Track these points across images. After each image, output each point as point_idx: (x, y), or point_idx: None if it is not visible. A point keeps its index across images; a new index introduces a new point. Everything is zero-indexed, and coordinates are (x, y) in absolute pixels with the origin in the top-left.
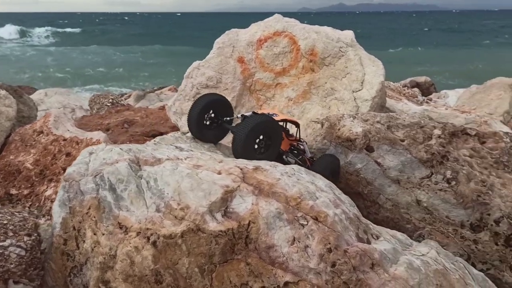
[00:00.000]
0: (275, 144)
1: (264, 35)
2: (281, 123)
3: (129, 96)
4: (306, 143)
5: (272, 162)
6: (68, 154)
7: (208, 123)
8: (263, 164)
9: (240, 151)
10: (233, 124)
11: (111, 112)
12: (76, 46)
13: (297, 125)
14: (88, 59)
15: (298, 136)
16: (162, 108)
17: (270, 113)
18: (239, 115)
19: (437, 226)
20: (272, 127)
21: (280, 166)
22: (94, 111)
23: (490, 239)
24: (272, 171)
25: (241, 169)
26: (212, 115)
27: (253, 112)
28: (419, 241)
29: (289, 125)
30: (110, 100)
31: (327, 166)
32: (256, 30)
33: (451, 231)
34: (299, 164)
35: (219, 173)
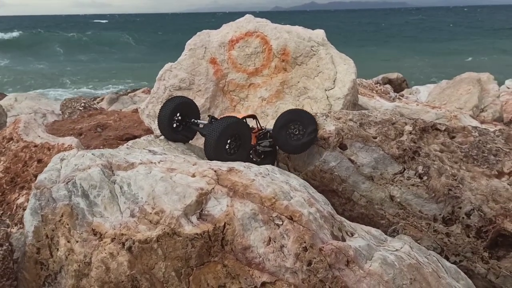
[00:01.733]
0: (245, 143)
1: (235, 35)
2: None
3: (102, 99)
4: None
5: (246, 163)
6: (39, 161)
7: (175, 125)
8: (237, 165)
9: (213, 153)
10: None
11: (84, 116)
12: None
13: (254, 117)
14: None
15: (258, 126)
16: (136, 111)
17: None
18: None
19: (410, 221)
20: (241, 127)
21: (254, 167)
22: (66, 116)
23: (462, 232)
24: (247, 172)
25: (215, 171)
26: (179, 117)
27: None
28: (394, 236)
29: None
30: (82, 104)
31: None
32: (228, 31)
33: (424, 225)
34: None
35: (193, 175)
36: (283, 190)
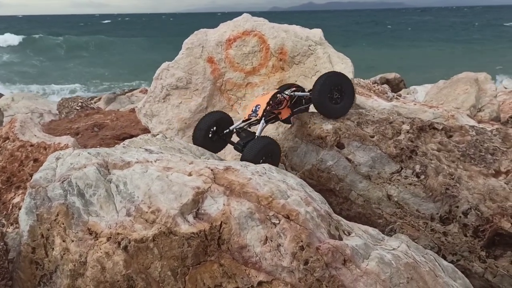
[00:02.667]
0: (275, 160)
1: (233, 34)
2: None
3: (99, 99)
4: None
5: (243, 162)
6: (35, 160)
7: (210, 135)
8: (234, 164)
9: None
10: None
11: (81, 116)
12: None
13: (277, 94)
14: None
15: (285, 95)
16: (133, 110)
17: (255, 107)
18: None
19: (408, 220)
20: (274, 147)
21: (251, 166)
22: (63, 115)
23: (459, 231)
24: (243, 171)
25: (211, 170)
26: (215, 129)
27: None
28: (391, 236)
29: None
30: (80, 104)
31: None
32: (225, 29)
33: (422, 224)
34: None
35: (190, 174)
36: (280, 189)
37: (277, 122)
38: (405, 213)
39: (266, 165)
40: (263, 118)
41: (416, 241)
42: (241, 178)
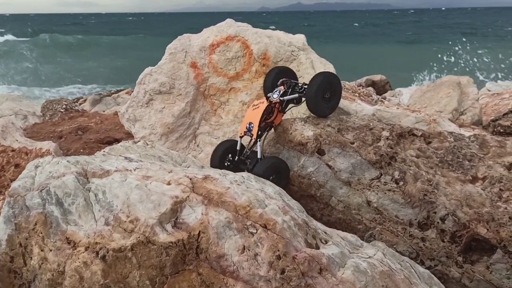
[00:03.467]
0: (285, 178)
1: (216, 40)
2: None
3: (85, 100)
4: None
5: (222, 171)
6: (17, 165)
7: (227, 164)
8: (213, 173)
9: None
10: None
11: (65, 119)
12: None
13: (268, 107)
14: None
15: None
16: (117, 113)
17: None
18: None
19: (387, 226)
20: (280, 165)
21: (230, 175)
22: (47, 118)
23: (436, 236)
24: (222, 180)
25: (190, 179)
26: (231, 157)
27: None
28: (370, 241)
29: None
30: (64, 106)
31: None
32: (209, 35)
33: (400, 230)
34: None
35: (169, 183)
36: (258, 198)
37: None
38: (384, 219)
39: (245, 174)
40: (258, 140)
41: (395, 246)
42: (220, 187)
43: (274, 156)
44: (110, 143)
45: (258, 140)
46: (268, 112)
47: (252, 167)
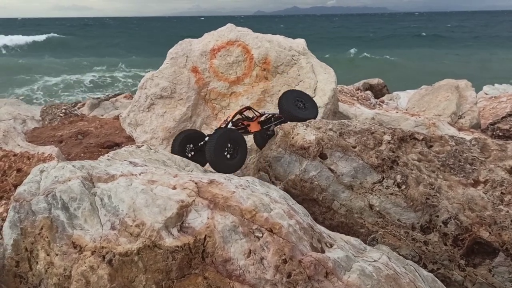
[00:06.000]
0: (243, 148)
1: (217, 44)
2: (237, 116)
3: (83, 104)
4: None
5: (227, 175)
6: (19, 170)
7: (190, 155)
8: (218, 177)
9: (213, 160)
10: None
11: (64, 123)
12: None
13: (248, 108)
14: None
15: (257, 113)
16: (117, 117)
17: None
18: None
19: (389, 229)
20: (234, 135)
21: (235, 179)
22: (46, 122)
23: (439, 240)
24: (227, 184)
25: (195, 183)
26: (191, 146)
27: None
28: (373, 245)
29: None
30: (63, 110)
31: None
32: (210, 39)
33: (403, 233)
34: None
35: (174, 188)
36: (263, 202)
37: None
38: (386, 223)
39: (250, 178)
40: (230, 122)
41: (397, 250)
42: (225, 192)
43: (227, 127)
44: (110, 147)
45: (229, 122)
46: (248, 118)
47: (207, 142)
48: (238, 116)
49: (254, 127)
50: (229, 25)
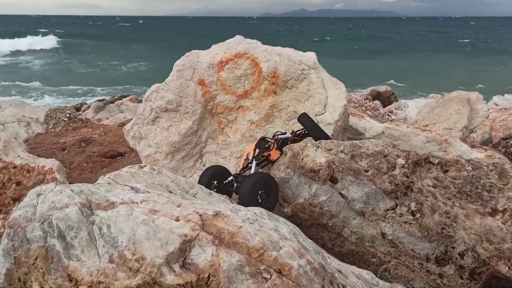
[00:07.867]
0: (274, 192)
1: (225, 57)
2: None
3: (89, 107)
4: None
5: (234, 206)
6: (18, 183)
7: (215, 190)
8: (224, 209)
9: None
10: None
11: (68, 129)
12: None
13: (262, 139)
14: None
15: (270, 140)
16: (121, 124)
17: (247, 155)
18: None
19: (402, 260)
20: (267, 179)
21: (242, 211)
22: (50, 127)
23: (455, 273)
24: (233, 218)
25: (200, 215)
26: (216, 183)
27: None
28: (385, 276)
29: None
30: (67, 115)
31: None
32: (217, 51)
33: (417, 265)
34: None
35: (177, 219)
36: (272, 239)
37: None
38: (399, 253)
39: (258, 211)
40: (254, 160)
41: (411, 282)
42: (231, 226)
43: (261, 171)
44: (113, 157)
45: (253, 160)
46: (265, 147)
47: (240, 185)
48: (257, 150)
49: (275, 154)
50: (237, 37)
